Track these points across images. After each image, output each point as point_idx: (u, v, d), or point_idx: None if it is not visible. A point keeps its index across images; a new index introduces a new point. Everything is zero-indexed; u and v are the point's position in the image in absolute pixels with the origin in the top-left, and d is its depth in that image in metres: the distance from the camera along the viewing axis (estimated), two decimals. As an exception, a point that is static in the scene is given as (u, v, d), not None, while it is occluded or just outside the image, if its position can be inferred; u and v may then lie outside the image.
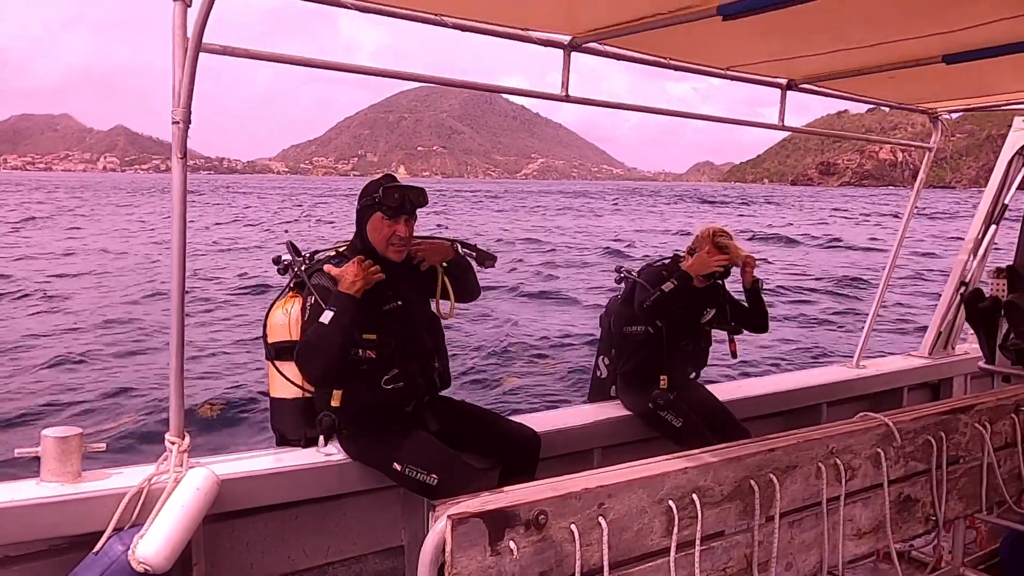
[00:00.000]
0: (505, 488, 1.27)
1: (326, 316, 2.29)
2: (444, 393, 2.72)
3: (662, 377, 3.12)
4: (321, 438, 2.62)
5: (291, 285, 2.65)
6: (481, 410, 2.76)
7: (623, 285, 3.25)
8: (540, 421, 2.93)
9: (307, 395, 2.57)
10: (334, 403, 2.37)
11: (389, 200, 2.44)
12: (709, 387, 3.43)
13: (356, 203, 2.57)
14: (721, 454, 1.62)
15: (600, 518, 1.29)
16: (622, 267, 3.32)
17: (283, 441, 2.64)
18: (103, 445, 2.27)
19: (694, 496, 1.51)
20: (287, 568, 2.60)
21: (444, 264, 2.66)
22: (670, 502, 1.45)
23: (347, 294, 2.32)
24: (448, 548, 1.15)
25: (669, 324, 3.12)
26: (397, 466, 2.41)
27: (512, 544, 1.18)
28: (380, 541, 2.79)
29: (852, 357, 4.26)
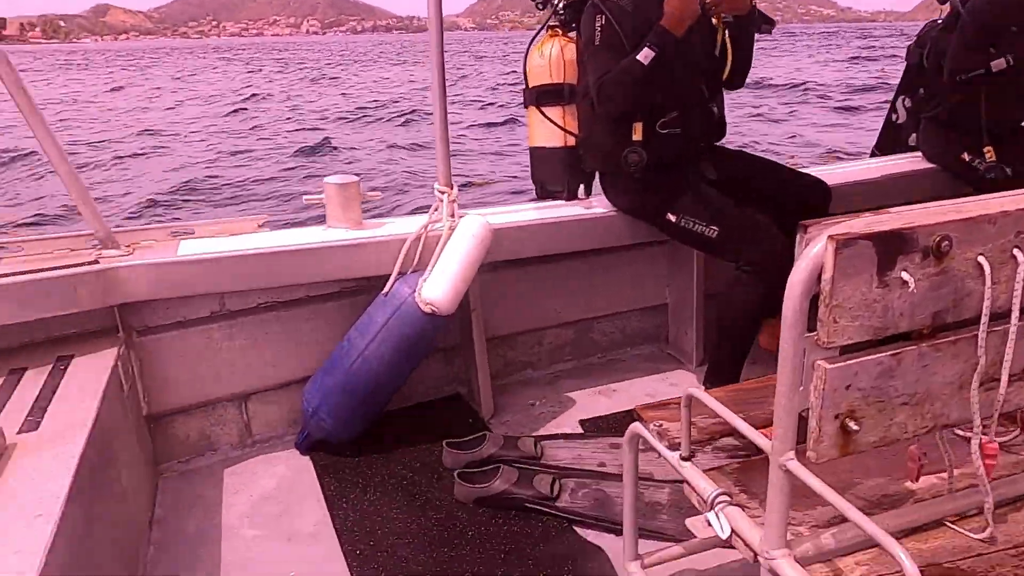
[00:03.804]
0: (893, 208, 1.01)
1: (645, 55, 2.01)
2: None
3: (986, 149, 2.53)
4: (581, 188, 2.48)
5: (548, 24, 2.39)
6: (763, 159, 2.43)
7: (949, 9, 2.57)
8: (827, 174, 2.55)
9: (569, 144, 2.39)
10: (635, 137, 2.13)
11: None
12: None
13: None
14: None
15: (1016, 250, 0.99)
16: None
17: (544, 193, 2.52)
18: (379, 193, 2.28)
19: None
20: (553, 320, 2.60)
21: (728, 19, 2.23)
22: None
23: (672, 33, 2.02)
24: (828, 275, 0.93)
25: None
26: (671, 217, 2.20)
27: (905, 275, 0.94)
28: (644, 298, 2.70)
29: None
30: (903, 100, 2.85)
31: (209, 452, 2.22)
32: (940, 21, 2.63)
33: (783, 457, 1.01)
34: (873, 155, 3.05)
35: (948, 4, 2.58)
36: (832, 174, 2.66)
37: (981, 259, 0.97)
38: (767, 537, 1.07)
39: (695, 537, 1.65)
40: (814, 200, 2.33)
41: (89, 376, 1.78)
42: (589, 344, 2.69)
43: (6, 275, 1.82)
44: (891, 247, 0.94)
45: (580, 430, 2.27)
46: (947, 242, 0.95)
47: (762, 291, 2.07)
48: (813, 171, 2.81)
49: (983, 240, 0.98)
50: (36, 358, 1.86)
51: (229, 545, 1.84)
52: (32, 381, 1.76)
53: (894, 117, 2.90)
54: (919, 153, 2.82)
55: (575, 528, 1.85)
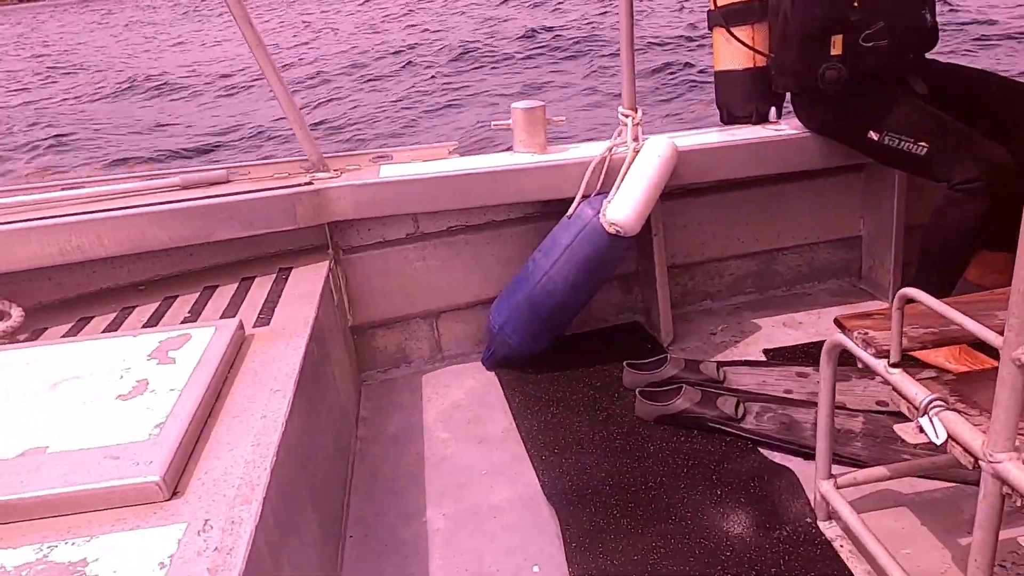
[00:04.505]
0: None
1: None
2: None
3: None
4: (773, 111, 2.37)
5: None
6: (979, 71, 2.19)
7: None
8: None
9: (758, 65, 2.29)
10: (834, 51, 2.00)
11: None
12: None
13: None
14: None
15: None
16: None
17: (730, 119, 2.44)
18: (563, 117, 2.31)
19: None
20: (737, 250, 2.54)
21: None
22: None
23: None
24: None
25: None
26: (874, 135, 2.06)
27: None
28: (835, 229, 2.56)
29: None
30: None
31: (404, 364, 2.39)
32: None
33: (1019, 350, 0.94)
34: None
35: None
36: None
37: None
38: (992, 439, 1.01)
39: (890, 464, 1.58)
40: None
41: (306, 285, 1.97)
42: (773, 276, 2.60)
43: (238, 193, 2.04)
44: None
45: (763, 359, 2.22)
46: None
47: (979, 214, 1.90)
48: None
49: None
50: (262, 269, 2.09)
51: (426, 444, 2.00)
52: (260, 287, 1.98)
53: None
54: None
55: (760, 449, 1.82)
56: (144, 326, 1.83)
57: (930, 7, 2.13)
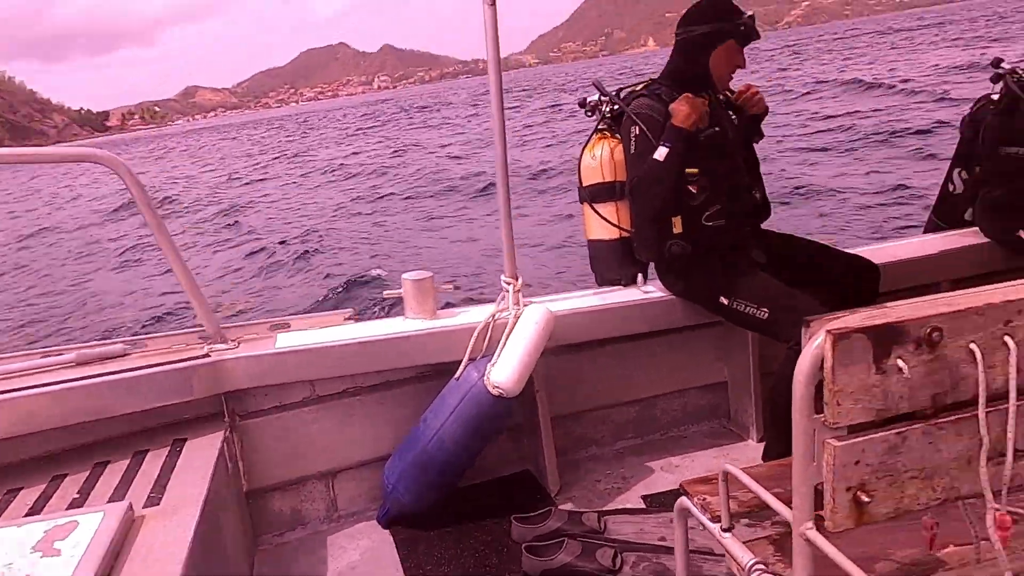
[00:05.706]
0: (888, 304, 1.15)
1: (660, 152, 2.24)
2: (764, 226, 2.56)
3: None
4: (639, 276, 2.65)
5: (598, 128, 2.61)
6: (809, 242, 2.55)
7: (1001, 88, 2.64)
8: (878, 253, 2.65)
9: (624, 235, 2.58)
10: (676, 230, 2.34)
11: (749, 28, 2.32)
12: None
13: (682, 32, 2.41)
14: None
15: (1007, 337, 1.11)
16: (1002, 61, 2.68)
17: (603, 281, 2.70)
18: (450, 286, 2.52)
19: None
20: (616, 399, 2.74)
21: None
22: (1091, 323, 1.19)
23: (681, 128, 2.24)
24: (828, 365, 1.07)
25: None
26: (724, 300, 2.34)
27: (900, 362, 1.07)
28: (703, 376, 2.81)
29: None
30: (959, 172, 2.90)
31: (299, 526, 2.42)
32: (996, 102, 2.68)
33: (803, 527, 1.13)
34: (930, 220, 3.10)
35: (1002, 83, 2.64)
36: (886, 250, 2.75)
37: (973, 346, 1.09)
38: None
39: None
40: (863, 281, 2.43)
41: (200, 457, 2.03)
42: (652, 421, 2.80)
43: (133, 369, 2.11)
44: (885, 338, 1.07)
45: (643, 505, 2.38)
46: (938, 332, 1.08)
47: None
48: (872, 247, 2.89)
49: (973, 329, 1.10)
50: (156, 441, 2.13)
51: None
52: (153, 461, 2.02)
53: (951, 187, 2.94)
54: (976, 228, 2.87)
55: (636, 600, 1.95)
56: (29, 510, 1.83)
57: (759, 187, 2.49)
